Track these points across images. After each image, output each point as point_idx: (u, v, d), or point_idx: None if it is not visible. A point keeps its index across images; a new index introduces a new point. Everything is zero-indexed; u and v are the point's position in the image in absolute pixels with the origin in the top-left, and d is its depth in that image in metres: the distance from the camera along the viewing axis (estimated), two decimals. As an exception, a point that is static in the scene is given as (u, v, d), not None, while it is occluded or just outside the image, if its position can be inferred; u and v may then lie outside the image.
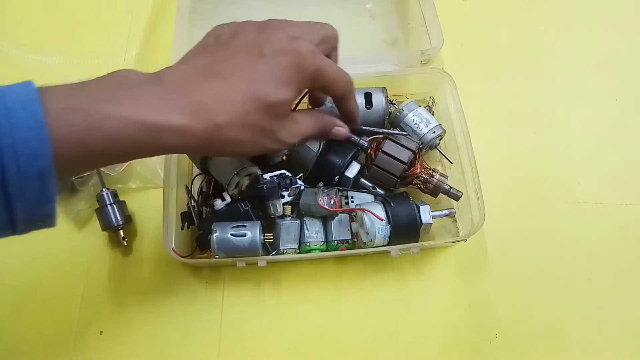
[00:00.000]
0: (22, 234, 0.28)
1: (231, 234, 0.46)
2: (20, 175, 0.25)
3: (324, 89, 0.39)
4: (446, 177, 0.51)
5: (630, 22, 0.69)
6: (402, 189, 0.53)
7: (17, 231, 0.27)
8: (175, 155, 0.53)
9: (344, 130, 0.44)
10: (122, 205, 0.54)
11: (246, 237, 0.46)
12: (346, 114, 0.44)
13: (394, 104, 0.57)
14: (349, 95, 0.41)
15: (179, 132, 0.31)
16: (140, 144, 0.29)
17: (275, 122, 0.35)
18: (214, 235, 0.46)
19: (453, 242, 0.52)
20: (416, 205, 0.48)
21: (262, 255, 0.48)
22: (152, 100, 0.30)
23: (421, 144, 0.52)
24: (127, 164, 0.57)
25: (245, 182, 0.47)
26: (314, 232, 0.50)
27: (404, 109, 0.54)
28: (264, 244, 0.47)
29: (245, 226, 0.47)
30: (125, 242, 0.53)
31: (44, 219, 0.28)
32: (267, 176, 0.48)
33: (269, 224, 0.50)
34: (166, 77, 0.32)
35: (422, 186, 0.51)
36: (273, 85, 0.33)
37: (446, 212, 0.51)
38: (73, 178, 0.55)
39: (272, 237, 0.49)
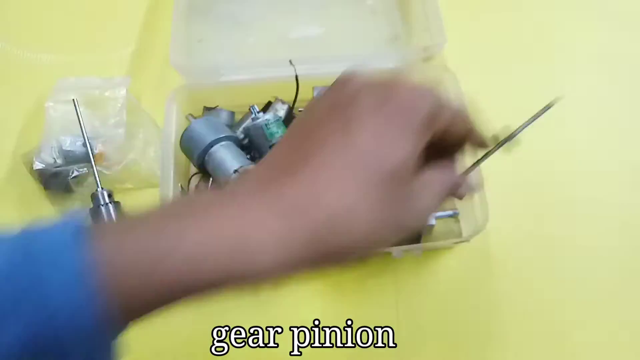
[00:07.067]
0: None
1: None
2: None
3: (445, 134, 0.28)
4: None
5: (637, 19, 0.68)
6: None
7: None
8: (171, 154, 0.52)
9: (464, 190, 0.33)
10: (117, 205, 0.53)
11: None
12: (477, 143, 0.33)
13: (396, 101, 0.56)
14: (473, 129, 0.31)
15: (279, 243, 0.24)
16: (228, 269, 0.23)
17: (403, 192, 0.25)
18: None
19: (455, 243, 0.51)
20: (418, 205, 0.48)
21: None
22: (236, 211, 0.24)
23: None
24: (123, 162, 0.56)
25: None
26: (313, 232, 0.50)
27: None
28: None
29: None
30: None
31: None
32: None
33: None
34: (252, 176, 0.26)
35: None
36: (386, 144, 0.25)
37: (450, 212, 0.50)
38: (69, 178, 0.54)
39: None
